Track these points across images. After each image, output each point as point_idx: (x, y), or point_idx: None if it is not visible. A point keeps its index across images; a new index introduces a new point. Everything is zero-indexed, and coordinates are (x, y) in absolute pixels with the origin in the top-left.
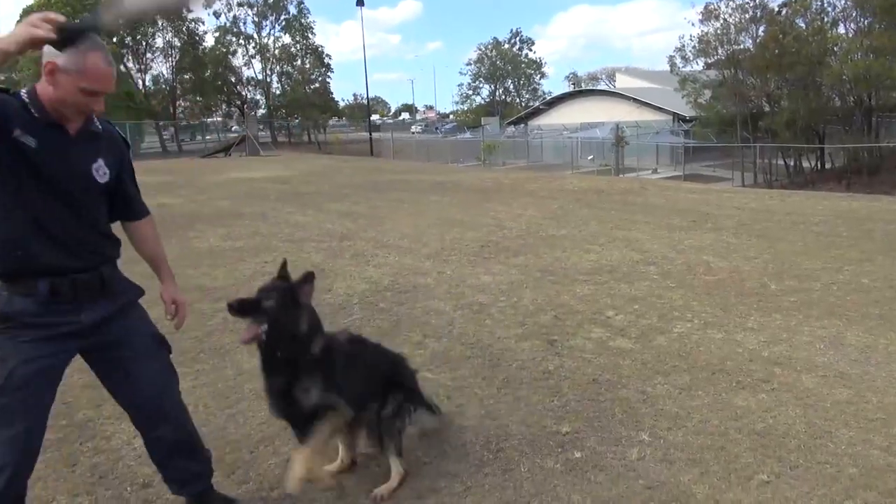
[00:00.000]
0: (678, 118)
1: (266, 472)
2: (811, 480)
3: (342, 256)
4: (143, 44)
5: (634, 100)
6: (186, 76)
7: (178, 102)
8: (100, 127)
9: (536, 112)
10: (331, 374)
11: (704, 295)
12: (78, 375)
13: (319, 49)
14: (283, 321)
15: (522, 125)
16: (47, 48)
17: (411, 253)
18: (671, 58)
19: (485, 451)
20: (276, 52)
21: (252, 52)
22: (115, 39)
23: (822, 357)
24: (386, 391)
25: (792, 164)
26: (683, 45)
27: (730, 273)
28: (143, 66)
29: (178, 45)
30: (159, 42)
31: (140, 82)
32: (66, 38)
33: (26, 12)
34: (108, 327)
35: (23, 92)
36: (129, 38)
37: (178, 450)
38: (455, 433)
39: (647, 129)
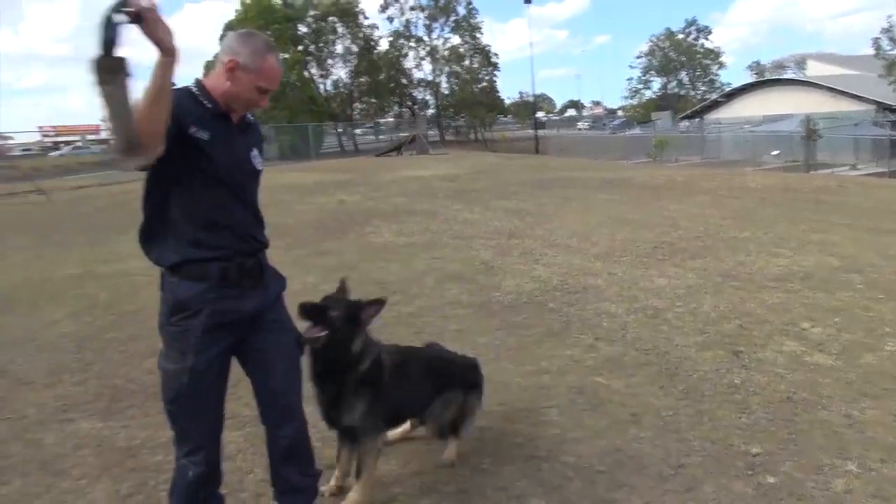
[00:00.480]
0: (883, 108)
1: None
2: None
3: (510, 254)
4: (325, 51)
5: (829, 88)
6: (362, 79)
7: (354, 104)
8: (251, 118)
9: (714, 105)
10: (376, 394)
11: None
12: None
13: (486, 48)
14: (341, 333)
15: (697, 119)
16: (227, 44)
17: (580, 252)
18: (876, 40)
19: (664, 466)
20: (445, 52)
21: (423, 54)
22: (300, 48)
23: None
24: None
25: None
26: (892, 26)
27: None
28: (325, 72)
29: (356, 50)
30: (339, 49)
31: (321, 87)
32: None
33: (228, 27)
34: (262, 317)
35: (190, 84)
36: (312, 46)
37: (291, 454)
38: (629, 442)
39: (845, 120)
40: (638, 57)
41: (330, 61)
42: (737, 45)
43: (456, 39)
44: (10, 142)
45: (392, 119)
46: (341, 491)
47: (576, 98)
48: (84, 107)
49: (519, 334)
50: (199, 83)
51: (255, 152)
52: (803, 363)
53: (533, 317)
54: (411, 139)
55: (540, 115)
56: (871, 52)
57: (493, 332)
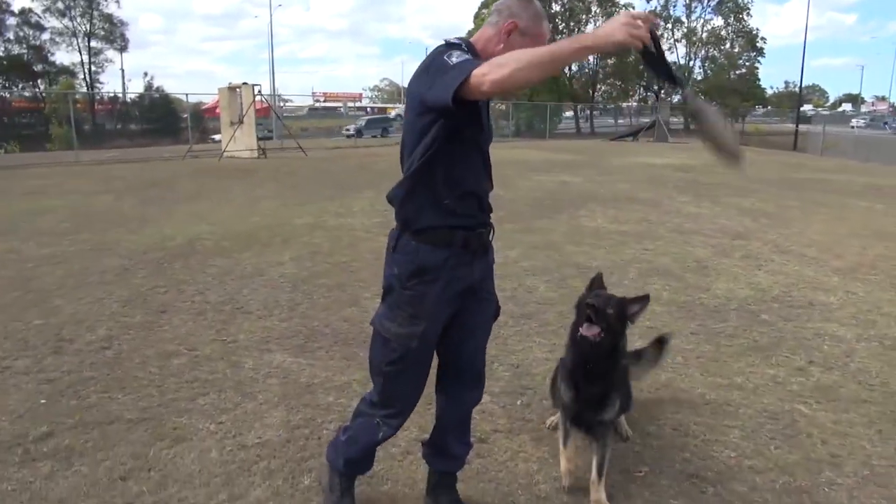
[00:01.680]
0: None
1: None
2: None
3: (731, 256)
4: (576, 30)
5: None
6: (609, 60)
7: (597, 86)
8: None
9: None
10: (627, 390)
11: None
12: None
13: (753, 32)
14: (614, 331)
15: None
16: (505, 5)
17: (816, 263)
18: None
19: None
20: (704, 35)
21: (678, 35)
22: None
23: None
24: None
25: None
26: None
27: None
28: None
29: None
30: (590, 27)
31: (567, 67)
32: (651, 54)
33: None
34: (481, 286)
35: (459, 41)
36: (563, 25)
37: (464, 421)
38: (818, 486)
39: None
40: None
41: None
42: None
43: (719, 21)
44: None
45: (635, 103)
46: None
47: (855, 91)
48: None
49: (717, 342)
50: (469, 44)
51: (490, 119)
52: None
53: (739, 326)
54: (650, 125)
55: (807, 108)
56: None
57: (687, 336)
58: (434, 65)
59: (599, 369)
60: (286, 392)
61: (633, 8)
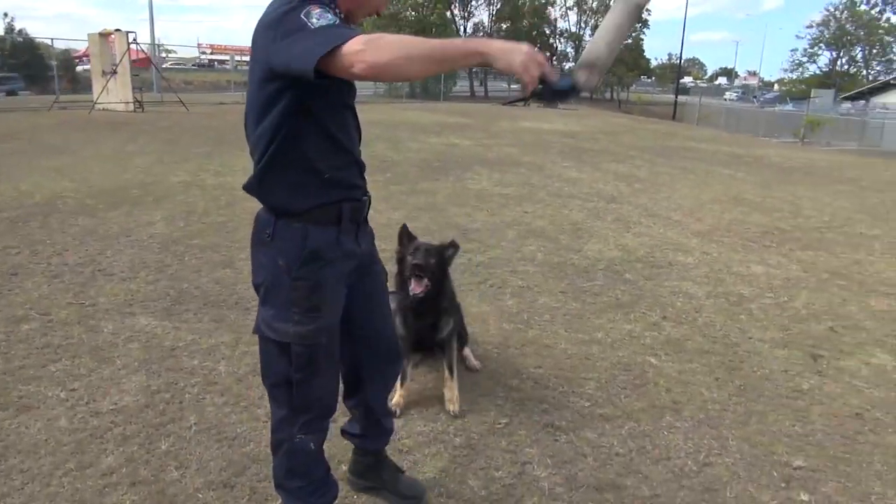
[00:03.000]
0: None
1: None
2: None
3: (603, 219)
4: (473, 14)
5: None
6: (504, 25)
7: None
8: None
9: (885, 87)
10: (458, 312)
11: None
12: None
13: None
14: (437, 277)
15: (863, 101)
16: None
17: (679, 226)
18: None
19: (689, 461)
20: (594, 4)
21: (570, 3)
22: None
23: None
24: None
25: None
26: None
27: None
28: (466, 14)
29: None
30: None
31: (461, 29)
32: (542, 92)
33: None
34: (370, 254)
35: None
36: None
37: (385, 399)
38: (659, 430)
39: None
40: (808, 27)
41: (473, 3)
42: None
43: None
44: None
45: None
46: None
47: (730, 66)
48: (242, 29)
49: (583, 300)
50: None
51: None
52: (889, 379)
53: (604, 285)
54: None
55: (686, 80)
56: None
57: (556, 294)
58: (287, 23)
59: (429, 307)
60: (148, 356)
61: None
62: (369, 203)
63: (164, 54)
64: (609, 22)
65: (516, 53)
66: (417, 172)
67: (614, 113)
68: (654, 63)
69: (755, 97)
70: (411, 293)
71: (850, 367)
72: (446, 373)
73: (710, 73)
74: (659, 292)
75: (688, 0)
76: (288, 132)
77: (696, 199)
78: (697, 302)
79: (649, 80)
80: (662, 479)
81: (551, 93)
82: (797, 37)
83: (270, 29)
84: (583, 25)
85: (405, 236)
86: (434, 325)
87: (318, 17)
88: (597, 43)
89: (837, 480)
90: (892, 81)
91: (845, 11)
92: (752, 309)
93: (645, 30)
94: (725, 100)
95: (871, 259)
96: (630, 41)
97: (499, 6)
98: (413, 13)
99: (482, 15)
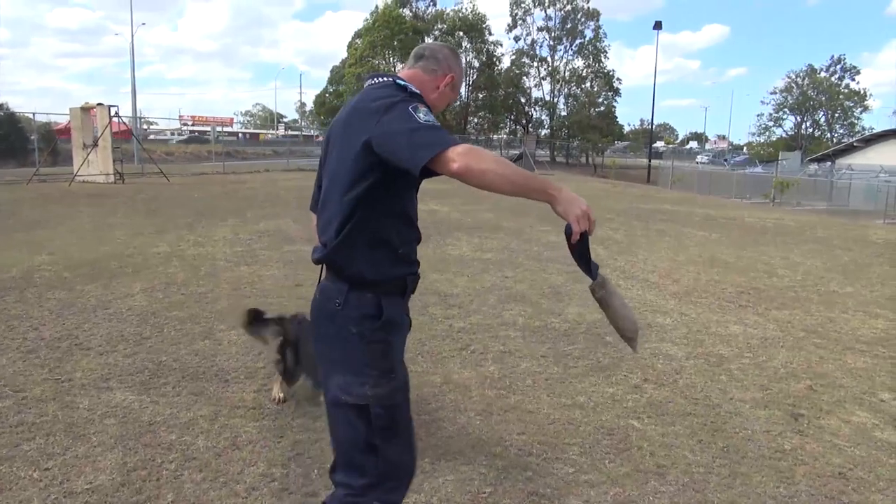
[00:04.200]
0: None
1: (440, 486)
2: None
3: (583, 282)
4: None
5: None
6: (481, 94)
7: (468, 118)
8: None
9: (849, 149)
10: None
11: None
12: None
13: (610, 73)
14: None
15: (828, 163)
16: (443, 57)
17: (657, 288)
18: None
19: None
20: (567, 74)
21: (543, 73)
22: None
23: None
24: None
25: None
26: None
27: None
28: None
29: (477, 65)
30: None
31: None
32: (578, 246)
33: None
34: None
35: (408, 86)
36: None
37: None
38: (645, 495)
39: None
40: (772, 93)
41: None
42: (886, 88)
43: (580, 62)
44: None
45: (504, 136)
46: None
47: (700, 130)
48: (222, 101)
49: (565, 364)
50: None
51: None
52: (870, 437)
53: (585, 348)
54: (518, 157)
55: (659, 144)
56: None
57: (538, 359)
58: (396, 111)
59: None
60: (124, 432)
61: (501, 46)
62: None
63: (145, 126)
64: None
65: (577, 205)
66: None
67: (590, 177)
68: (627, 128)
69: (726, 160)
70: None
71: (830, 426)
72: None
73: (681, 137)
74: (639, 354)
75: (656, 69)
76: (372, 205)
77: (673, 260)
78: (678, 363)
79: (623, 146)
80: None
81: (581, 253)
82: (762, 102)
83: (377, 114)
84: (556, 94)
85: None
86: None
87: (425, 114)
88: (624, 310)
89: None
90: (855, 144)
91: (806, 78)
92: (731, 369)
93: (617, 98)
94: (697, 163)
95: (846, 316)
96: (602, 108)
97: (475, 76)
98: None
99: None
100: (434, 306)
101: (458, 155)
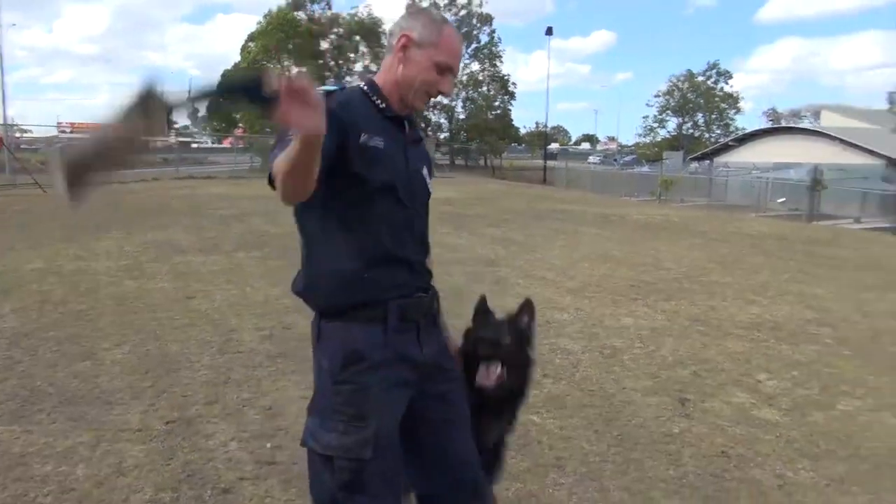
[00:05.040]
0: (893, 163)
1: None
2: None
3: (483, 282)
4: (345, 68)
5: (841, 140)
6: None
7: None
8: (420, 134)
9: (725, 148)
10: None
11: (888, 369)
12: (204, 371)
13: (505, 77)
14: (519, 362)
15: (707, 161)
16: (396, 25)
17: (554, 285)
18: (892, 94)
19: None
20: (464, 78)
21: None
22: (320, 61)
23: None
24: None
25: None
26: None
27: None
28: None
29: (375, 70)
30: (358, 67)
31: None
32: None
33: (250, 38)
34: (439, 369)
35: (362, 83)
36: (333, 63)
37: None
38: (545, 488)
39: (854, 173)
40: (656, 96)
41: (348, 78)
42: (755, 91)
43: (476, 66)
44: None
45: None
46: None
47: (591, 132)
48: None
49: None
50: (370, 81)
51: (426, 169)
52: (749, 417)
53: None
54: None
55: (554, 146)
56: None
57: None
58: None
59: (500, 409)
60: None
61: None
62: (437, 300)
63: (17, 134)
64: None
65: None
66: (298, 247)
67: (488, 179)
68: (523, 131)
69: (615, 160)
70: (477, 383)
71: (714, 408)
72: None
73: (574, 138)
74: (538, 350)
75: (549, 73)
76: (315, 228)
77: (568, 257)
78: (574, 357)
79: (520, 147)
80: None
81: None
82: (647, 105)
83: None
84: (455, 97)
85: (480, 311)
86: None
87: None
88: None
89: None
90: (730, 143)
91: (686, 82)
92: (624, 360)
93: (512, 101)
94: (589, 163)
95: (725, 304)
96: (499, 111)
97: None
98: None
99: None
100: None
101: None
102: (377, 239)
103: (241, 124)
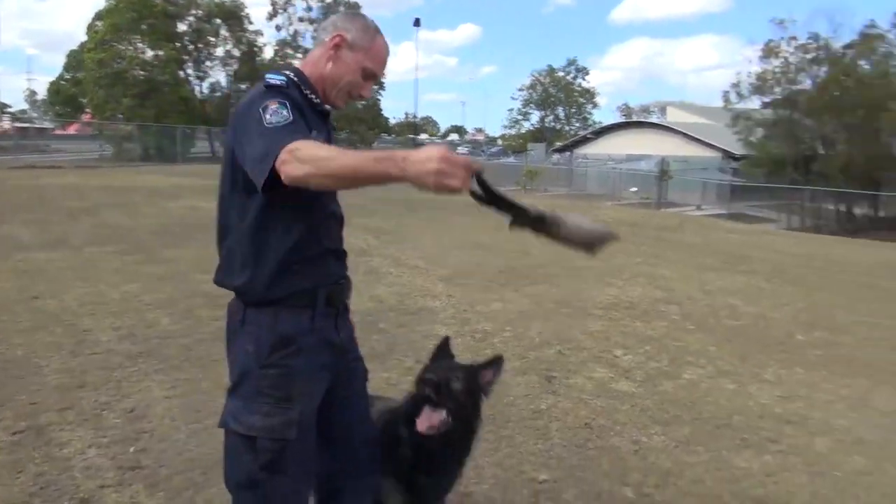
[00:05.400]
0: (728, 155)
1: (213, 497)
2: None
3: (355, 272)
4: (204, 52)
5: (684, 134)
6: (243, 86)
7: (231, 110)
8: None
9: (584, 140)
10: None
11: (724, 341)
12: (55, 376)
13: None
14: (465, 412)
15: (568, 153)
16: (330, 22)
17: (426, 273)
18: (726, 93)
19: (451, 494)
20: None
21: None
22: (177, 44)
23: (840, 419)
24: None
25: (844, 210)
26: (740, 82)
27: (755, 319)
28: (202, 74)
29: (238, 55)
30: (220, 52)
31: (196, 89)
32: (483, 194)
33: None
34: (350, 346)
35: (289, 74)
36: (191, 46)
37: None
38: None
39: (695, 164)
40: (520, 89)
41: (208, 63)
42: (611, 88)
43: None
44: None
45: None
46: None
47: (460, 123)
48: None
49: None
50: (298, 72)
51: None
52: (608, 390)
53: (360, 337)
54: None
55: (423, 136)
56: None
57: None
58: (250, 115)
59: (441, 458)
60: None
61: (262, 35)
62: (349, 287)
63: None
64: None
65: (428, 174)
66: (156, 240)
67: None
68: (392, 121)
69: (483, 151)
70: (416, 428)
71: (577, 384)
72: None
73: (443, 129)
74: (412, 338)
75: (417, 64)
76: (259, 220)
77: (440, 245)
78: None
79: (389, 138)
80: None
81: (490, 199)
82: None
83: (242, 116)
84: None
85: (441, 352)
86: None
87: (271, 114)
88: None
89: (576, 486)
90: (588, 136)
91: (547, 77)
92: (494, 342)
93: (382, 91)
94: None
95: (586, 287)
96: (368, 101)
97: (237, 67)
98: (142, 72)
99: (219, 75)
100: (200, 308)
101: (281, 164)
102: (315, 231)
103: (87, 109)
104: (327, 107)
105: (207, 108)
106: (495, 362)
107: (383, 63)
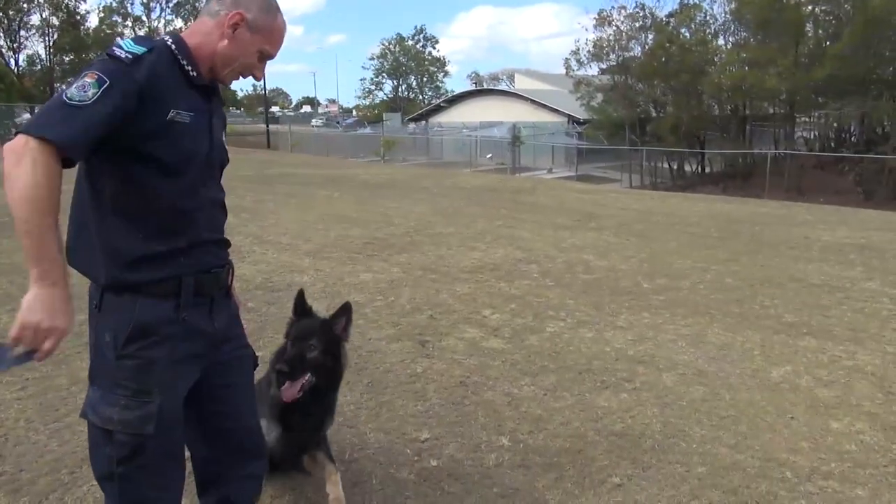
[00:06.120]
0: (573, 120)
1: (85, 496)
2: (661, 481)
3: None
4: (18, 20)
5: (532, 101)
6: (66, 57)
7: (55, 84)
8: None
9: (438, 109)
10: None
11: (581, 293)
12: None
13: None
14: (326, 368)
15: (424, 122)
16: None
17: (291, 249)
18: (567, 60)
19: (338, 462)
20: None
21: (141, 34)
22: None
23: (683, 355)
24: None
25: (675, 167)
26: (579, 49)
27: (606, 272)
28: (16, 45)
29: (57, 23)
30: (35, 20)
31: (12, 62)
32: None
33: None
34: (229, 334)
35: (167, 40)
36: (1, 14)
37: (249, 500)
38: None
39: (544, 129)
40: (371, 59)
41: (23, 33)
42: (461, 56)
43: (179, 22)
44: None
45: None
46: None
47: (312, 95)
48: None
49: None
50: (179, 40)
51: (224, 136)
52: (479, 348)
53: None
54: None
55: (275, 109)
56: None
57: None
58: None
59: (313, 402)
60: None
61: (85, 2)
62: (231, 274)
63: None
64: None
65: (34, 314)
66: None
67: None
68: (240, 94)
69: (338, 123)
70: (278, 399)
71: (450, 346)
72: (329, 466)
73: (294, 102)
74: (283, 314)
75: None
76: (104, 198)
77: (302, 220)
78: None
79: (238, 112)
80: (316, 485)
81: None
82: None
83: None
84: None
85: (298, 307)
86: (318, 427)
87: (77, 88)
88: None
89: (455, 441)
90: (441, 105)
91: (397, 45)
92: (367, 312)
93: None
94: (313, 126)
95: (451, 252)
96: None
97: (56, 36)
98: None
99: (37, 46)
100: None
101: (7, 147)
102: (177, 210)
103: None
104: (212, 82)
105: (26, 83)
106: (343, 310)
107: (280, 45)
